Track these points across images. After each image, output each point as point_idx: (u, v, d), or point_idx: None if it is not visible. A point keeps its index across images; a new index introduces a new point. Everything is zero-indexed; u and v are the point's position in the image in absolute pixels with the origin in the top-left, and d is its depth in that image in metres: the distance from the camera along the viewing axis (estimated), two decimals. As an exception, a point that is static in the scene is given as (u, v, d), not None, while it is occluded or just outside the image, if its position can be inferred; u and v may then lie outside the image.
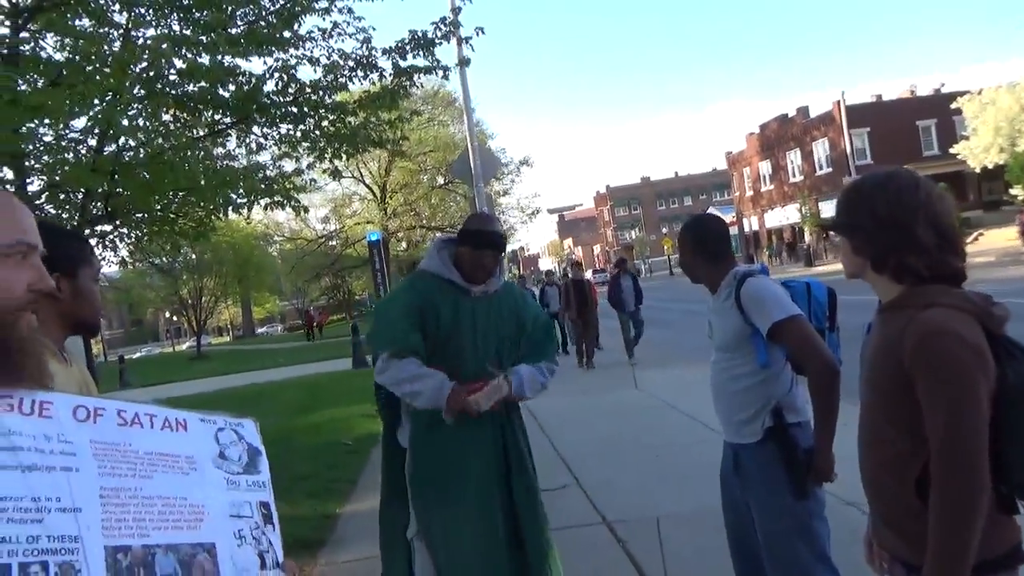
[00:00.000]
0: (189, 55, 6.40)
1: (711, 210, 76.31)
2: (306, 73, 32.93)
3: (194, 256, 35.70)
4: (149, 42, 6.36)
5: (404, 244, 39.96)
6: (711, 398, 2.94)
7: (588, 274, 18.54)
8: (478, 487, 3.05)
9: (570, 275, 14.50)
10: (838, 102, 43.60)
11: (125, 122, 5.59)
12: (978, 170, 35.81)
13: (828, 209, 45.18)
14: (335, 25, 7.70)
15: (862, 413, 1.86)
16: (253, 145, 8.17)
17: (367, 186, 39.18)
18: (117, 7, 6.66)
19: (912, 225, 1.77)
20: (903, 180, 1.83)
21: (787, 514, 2.70)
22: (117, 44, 6.46)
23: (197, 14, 6.66)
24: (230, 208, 7.31)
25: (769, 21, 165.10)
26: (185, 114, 7.05)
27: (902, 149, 41.78)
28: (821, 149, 46.32)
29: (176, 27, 6.78)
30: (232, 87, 7.13)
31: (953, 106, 36.93)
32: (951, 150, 36.28)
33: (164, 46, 6.11)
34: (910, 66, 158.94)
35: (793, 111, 49.65)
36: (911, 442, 1.69)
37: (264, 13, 7.20)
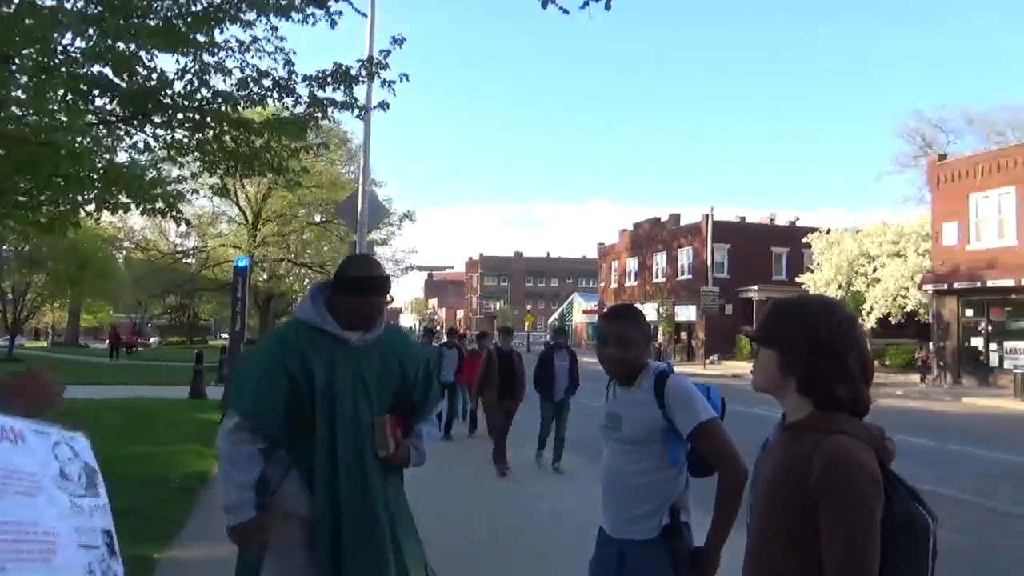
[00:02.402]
0: (94, 35, 5.96)
1: (576, 296, 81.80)
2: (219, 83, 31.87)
3: (28, 248, 32.63)
4: (46, 11, 5.87)
5: (265, 275, 38.22)
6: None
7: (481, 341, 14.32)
8: None
9: (495, 342, 11.18)
10: (707, 216, 46.79)
11: (19, 94, 5.06)
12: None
13: (683, 313, 48.01)
14: (254, 40, 7.46)
15: (752, 526, 1.90)
16: (140, 144, 7.67)
17: (240, 208, 37.55)
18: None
19: (846, 355, 1.84)
20: (843, 311, 1.92)
21: None
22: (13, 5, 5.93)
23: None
24: (105, 206, 6.74)
25: (661, 130, 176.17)
26: (78, 98, 6.49)
27: (755, 269, 46.77)
28: (685, 256, 49.55)
29: (88, 5, 6.31)
30: (135, 78, 6.67)
31: (804, 240, 40.15)
32: (797, 278, 39.05)
33: (62, 17, 5.63)
34: (777, 193, 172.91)
35: (666, 216, 52.81)
36: (800, 561, 1.73)
37: (183, 12, 6.86)
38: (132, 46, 6.55)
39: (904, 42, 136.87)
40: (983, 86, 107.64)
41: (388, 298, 3.00)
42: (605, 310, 3.04)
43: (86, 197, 7.18)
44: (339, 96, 7.70)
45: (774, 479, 1.82)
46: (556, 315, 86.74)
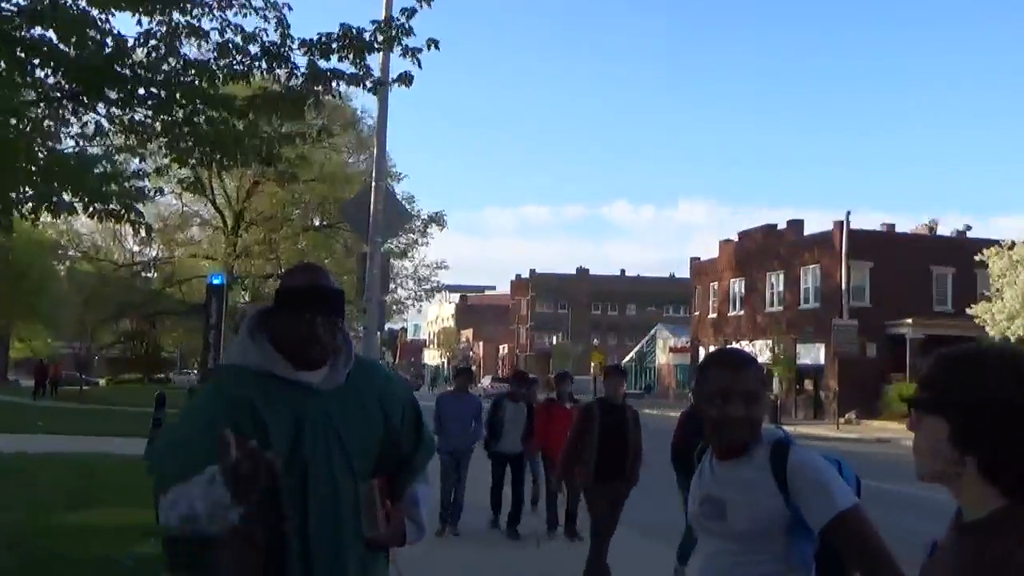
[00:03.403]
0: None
1: (660, 328, 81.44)
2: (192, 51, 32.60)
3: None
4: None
5: (247, 295, 38.45)
6: None
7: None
8: None
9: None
10: (841, 223, 46.02)
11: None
12: (997, 339, 37.72)
13: (808, 354, 47.43)
14: (240, -9, 7.63)
15: None
16: (91, 128, 7.92)
17: (217, 208, 38.11)
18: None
19: None
20: None
21: None
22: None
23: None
24: (46, 206, 7.00)
25: (775, 111, 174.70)
26: (14, 69, 6.76)
27: (909, 296, 44.38)
28: (811, 277, 48.64)
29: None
30: (86, 44, 6.92)
31: (977, 257, 38.69)
32: (968, 309, 38.14)
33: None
34: (938, 194, 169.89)
35: (784, 223, 52.88)
36: None
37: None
38: (82, 3, 6.80)
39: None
40: None
41: (340, 321, 2.91)
42: (712, 353, 3.08)
43: (21, 194, 7.33)
44: (347, 67, 7.86)
45: None
46: (634, 353, 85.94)
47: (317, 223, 38.10)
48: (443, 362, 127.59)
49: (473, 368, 46.15)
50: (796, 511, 2.76)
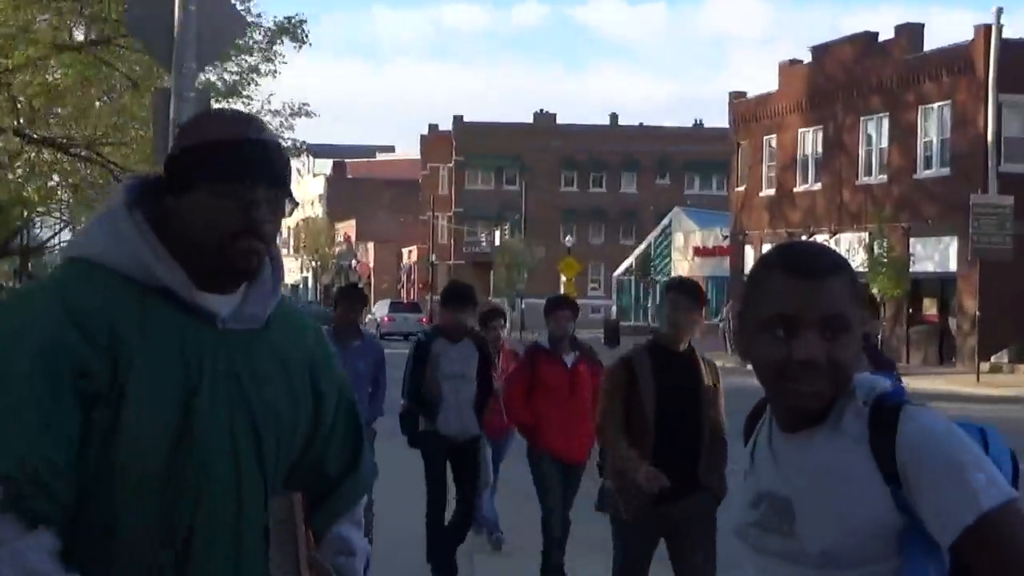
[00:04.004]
0: None
1: (679, 214, 59.44)
2: None
3: None
4: None
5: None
6: None
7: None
8: None
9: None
10: (987, 29, 33.39)
11: None
12: None
13: (929, 255, 36.38)
14: None
15: None
16: None
17: None
18: None
19: None
20: None
21: None
22: None
23: None
24: None
25: None
26: None
27: None
28: (936, 125, 36.23)
29: None
30: None
31: None
32: None
33: None
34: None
35: (890, 30, 38.67)
36: None
37: None
38: None
39: None
40: None
41: (289, 202, 2.34)
42: (771, 254, 2.17)
43: None
44: None
45: None
46: (633, 259, 61.15)
47: (81, 38, 27.49)
48: (306, 277, 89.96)
49: (361, 286, 28.00)
50: (912, 513, 2.10)
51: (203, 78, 12.53)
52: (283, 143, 19.09)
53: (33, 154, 27.97)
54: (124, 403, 2.09)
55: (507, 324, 10.22)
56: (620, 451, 6.39)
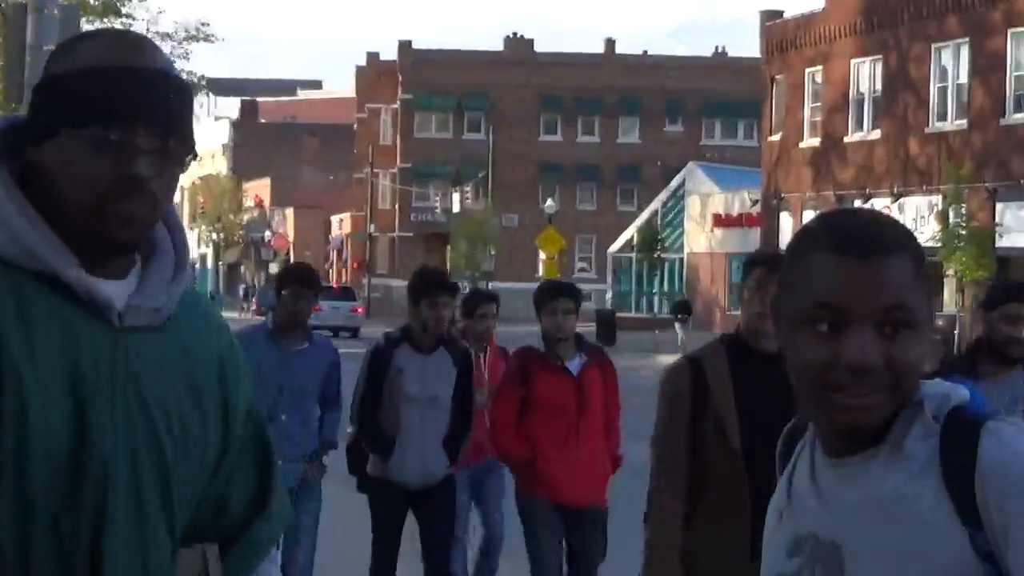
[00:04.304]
0: None
1: (694, 170, 51.43)
2: None
3: None
4: None
5: None
6: None
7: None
8: None
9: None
10: None
11: None
12: None
13: (1020, 226, 30.96)
14: None
15: None
16: None
17: None
18: None
19: None
20: None
21: None
22: None
23: None
24: None
25: None
26: None
27: None
28: None
29: None
30: None
31: None
32: None
33: None
34: None
35: None
36: None
37: None
38: None
39: None
40: None
41: (187, 153, 1.95)
42: (815, 223, 1.85)
43: None
44: None
45: None
46: (634, 229, 52.65)
47: None
48: (204, 255, 73.18)
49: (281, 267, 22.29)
50: (996, 563, 1.85)
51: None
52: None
53: None
54: (21, 421, 1.81)
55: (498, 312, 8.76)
56: (669, 509, 4.88)
